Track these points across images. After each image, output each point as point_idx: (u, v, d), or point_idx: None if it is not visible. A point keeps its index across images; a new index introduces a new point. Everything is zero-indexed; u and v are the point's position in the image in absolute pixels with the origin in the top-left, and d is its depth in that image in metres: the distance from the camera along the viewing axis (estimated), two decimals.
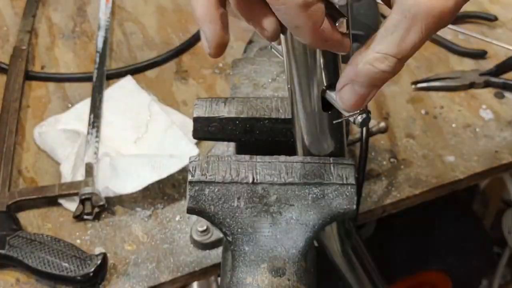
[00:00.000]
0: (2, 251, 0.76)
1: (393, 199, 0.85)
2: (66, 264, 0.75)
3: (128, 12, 1.12)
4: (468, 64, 1.03)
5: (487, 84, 0.99)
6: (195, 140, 0.86)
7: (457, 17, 1.08)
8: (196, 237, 0.79)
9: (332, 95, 0.55)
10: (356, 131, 0.80)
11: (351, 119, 0.52)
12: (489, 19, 1.09)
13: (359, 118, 0.52)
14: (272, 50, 0.59)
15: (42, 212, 0.84)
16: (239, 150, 0.74)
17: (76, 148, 0.88)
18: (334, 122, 0.56)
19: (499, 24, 1.09)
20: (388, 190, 0.86)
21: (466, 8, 1.10)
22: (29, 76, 1.01)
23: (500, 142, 0.92)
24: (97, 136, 0.90)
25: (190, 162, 0.61)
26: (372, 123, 0.86)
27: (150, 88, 0.99)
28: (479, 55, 1.04)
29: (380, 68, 0.45)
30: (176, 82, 1.01)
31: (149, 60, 1.03)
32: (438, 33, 1.05)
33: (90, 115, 0.93)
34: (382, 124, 0.82)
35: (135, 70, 1.02)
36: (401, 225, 1.11)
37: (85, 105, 0.95)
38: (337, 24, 0.45)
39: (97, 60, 1.02)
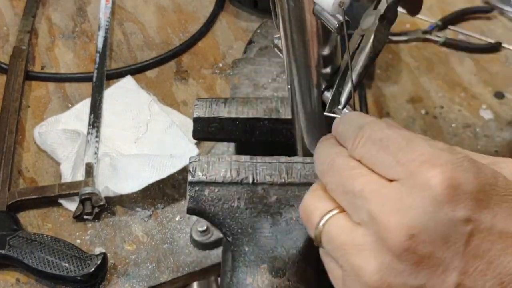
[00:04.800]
0: (2, 251, 0.76)
1: None
2: (66, 264, 0.75)
3: (128, 12, 1.12)
4: (468, 64, 1.03)
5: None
6: (195, 140, 0.86)
7: (455, 16, 1.09)
8: (196, 237, 0.79)
9: (329, 96, 0.55)
10: None
11: None
12: (486, 11, 1.10)
13: None
14: (275, 49, 0.59)
15: (42, 212, 0.84)
16: (239, 150, 0.74)
17: (76, 148, 0.88)
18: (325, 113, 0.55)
19: (499, 25, 1.09)
20: None
21: (462, 5, 1.10)
22: (29, 76, 1.01)
23: (500, 142, 0.92)
24: (97, 136, 0.90)
25: (190, 162, 0.61)
26: None
27: (150, 88, 0.99)
28: (481, 50, 1.04)
29: None
30: (176, 82, 1.01)
31: (149, 60, 1.03)
32: (437, 33, 1.06)
33: (90, 115, 0.93)
34: None
35: (135, 70, 1.02)
36: None
37: (85, 105, 0.95)
38: None
39: (97, 60, 1.02)
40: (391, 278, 0.41)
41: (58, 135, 0.90)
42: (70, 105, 0.97)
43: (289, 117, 0.63)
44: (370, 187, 0.43)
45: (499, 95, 0.98)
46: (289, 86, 0.57)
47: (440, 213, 0.40)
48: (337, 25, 0.48)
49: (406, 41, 1.06)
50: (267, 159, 0.60)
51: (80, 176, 0.86)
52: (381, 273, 0.42)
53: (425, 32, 1.07)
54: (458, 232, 0.40)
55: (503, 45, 1.05)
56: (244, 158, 0.61)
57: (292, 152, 0.63)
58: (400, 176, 0.42)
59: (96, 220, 0.83)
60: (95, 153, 0.88)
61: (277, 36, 0.57)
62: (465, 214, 0.40)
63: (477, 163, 0.42)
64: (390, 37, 1.05)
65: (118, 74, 1.01)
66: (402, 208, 0.41)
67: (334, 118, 0.51)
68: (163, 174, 0.83)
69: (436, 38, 1.05)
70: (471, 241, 0.40)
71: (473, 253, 0.40)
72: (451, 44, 1.05)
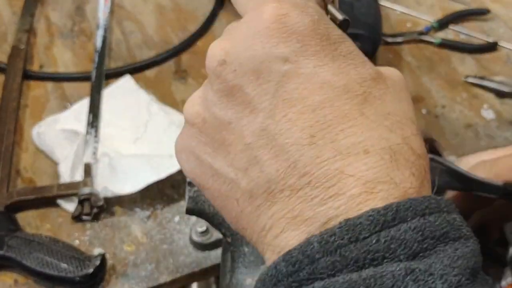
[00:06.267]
0: (0, 252, 0.76)
1: None
2: (65, 265, 0.75)
3: (127, 11, 1.12)
4: (469, 63, 1.02)
5: None
6: None
7: (453, 17, 1.08)
8: (195, 238, 0.79)
9: None
10: None
11: None
12: (482, 13, 1.09)
13: None
14: None
15: (40, 213, 0.83)
16: None
17: (75, 148, 0.87)
18: None
19: (501, 24, 1.09)
20: None
21: (460, 7, 1.10)
22: (28, 76, 1.00)
23: (502, 142, 0.91)
24: (96, 136, 0.90)
25: None
26: None
27: (149, 88, 0.98)
28: (480, 50, 1.04)
29: None
30: (175, 82, 1.00)
31: (148, 60, 1.03)
32: (434, 34, 1.05)
33: (88, 114, 0.93)
34: None
35: (134, 70, 1.01)
36: None
37: (83, 105, 0.95)
38: None
39: (96, 59, 1.01)
40: (204, 108, 0.40)
41: (56, 135, 0.89)
42: (68, 105, 0.96)
43: None
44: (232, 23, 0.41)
45: (501, 95, 0.98)
46: None
47: (258, 45, 0.37)
48: (337, 24, 0.47)
49: (401, 43, 1.05)
50: None
51: (78, 176, 0.85)
52: (199, 105, 0.41)
53: (421, 33, 1.06)
54: (272, 70, 0.36)
55: (501, 44, 1.04)
56: None
57: None
58: (249, 10, 0.39)
59: (95, 221, 0.82)
60: (94, 153, 0.88)
61: None
62: (284, 52, 0.36)
63: (325, 18, 0.39)
64: (386, 38, 1.04)
65: (117, 74, 1.00)
66: (229, 37, 0.39)
67: None
68: (162, 174, 0.83)
69: (432, 40, 1.05)
70: (285, 84, 0.36)
71: (285, 98, 0.36)
72: (447, 45, 1.04)
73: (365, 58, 0.38)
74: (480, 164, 0.61)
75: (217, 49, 0.39)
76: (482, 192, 0.59)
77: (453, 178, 0.57)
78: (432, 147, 0.59)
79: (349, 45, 0.38)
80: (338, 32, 0.38)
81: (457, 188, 0.60)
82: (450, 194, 0.62)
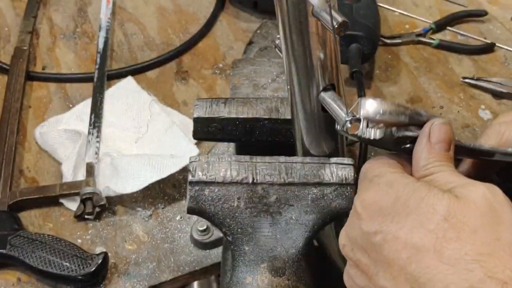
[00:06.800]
0: (4, 251, 0.77)
1: None
2: (67, 264, 0.75)
3: (128, 13, 1.12)
4: (467, 64, 1.03)
5: None
6: (195, 140, 0.86)
7: (451, 18, 1.09)
8: (196, 237, 0.79)
9: (326, 98, 0.55)
10: None
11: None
12: (479, 14, 1.10)
13: (348, 124, 0.52)
14: (276, 49, 0.59)
15: (43, 212, 0.84)
16: (239, 150, 0.74)
17: (77, 148, 0.88)
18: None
19: (498, 26, 1.10)
20: None
21: (458, 8, 1.11)
22: (30, 77, 1.01)
23: None
24: (98, 136, 0.91)
25: (190, 162, 0.61)
26: None
27: (150, 89, 0.99)
28: (477, 51, 1.04)
29: None
30: (177, 83, 1.01)
31: (150, 61, 1.03)
32: (432, 35, 1.06)
33: (91, 115, 0.94)
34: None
35: (136, 71, 1.02)
36: None
37: (86, 105, 0.96)
38: None
39: (98, 60, 1.02)
40: (351, 280, 0.52)
41: (59, 135, 0.90)
42: (71, 105, 0.97)
43: (289, 117, 0.63)
44: None
45: (498, 96, 0.98)
46: (288, 87, 0.58)
47: (356, 227, 0.50)
48: (336, 26, 0.48)
49: (399, 44, 1.06)
50: (267, 159, 0.61)
51: (81, 176, 0.86)
52: (345, 277, 0.53)
53: (419, 35, 1.07)
54: (371, 242, 0.48)
55: (498, 45, 1.05)
56: (244, 158, 0.61)
57: (292, 153, 0.64)
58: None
59: (97, 220, 0.83)
60: (96, 153, 0.88)
61: (278, 36, 0.57)
62: (374, 226, 0.48)
63: (394, 184, 0.49)
64: (384, 40, 1.05)
65: (119, 75, 1.01)
66: (345, 225, 0.53)
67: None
68: (164, 174, 0.84)
69: (430, 41, 1.06)
70: (383, 250, 0.47)
71: (387, 261, 0.46)
72: (445, 47, 1.05)
73: (438, 199, 0.46)
74: (501, 125, 0.60)
75: (340, 236, 0.53)
76: (502, 159, 0.59)
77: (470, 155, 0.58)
78: None
79: (415, 199, 0.47)
80: (406, 190, 0.48)
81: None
82: (466, 161, 0.62)
